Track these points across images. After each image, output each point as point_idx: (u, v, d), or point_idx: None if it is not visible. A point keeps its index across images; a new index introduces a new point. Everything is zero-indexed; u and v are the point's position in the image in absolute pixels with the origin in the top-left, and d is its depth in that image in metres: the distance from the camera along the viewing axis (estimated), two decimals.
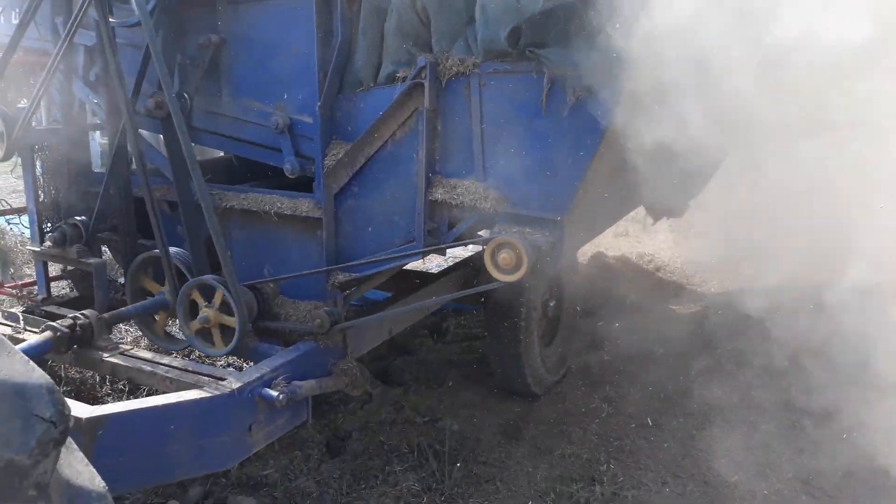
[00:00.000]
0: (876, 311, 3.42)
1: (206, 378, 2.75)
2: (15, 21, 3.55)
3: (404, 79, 2.79)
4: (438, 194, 2.80)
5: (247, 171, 3.70)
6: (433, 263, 5.93)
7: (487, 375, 4.41)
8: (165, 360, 2.95)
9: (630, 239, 6.72)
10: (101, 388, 4.05)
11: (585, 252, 6.00)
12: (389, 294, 4.11)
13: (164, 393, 2.76)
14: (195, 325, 3.06)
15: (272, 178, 3.57)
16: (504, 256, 2.62)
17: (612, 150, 2.67)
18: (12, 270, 6.09)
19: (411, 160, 2.86)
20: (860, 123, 3.07)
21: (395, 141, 2.88)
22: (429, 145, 2.78)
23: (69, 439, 1.55)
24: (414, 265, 4.50)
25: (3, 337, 1.52)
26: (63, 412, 1.45)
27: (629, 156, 2.90)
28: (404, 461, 3.60)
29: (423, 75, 2.71)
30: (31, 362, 1.50)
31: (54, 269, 3.84)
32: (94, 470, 1.63)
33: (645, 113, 2.54)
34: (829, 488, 3.35)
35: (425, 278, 4.27)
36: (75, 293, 3.85)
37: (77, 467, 1.59)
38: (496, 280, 2.74)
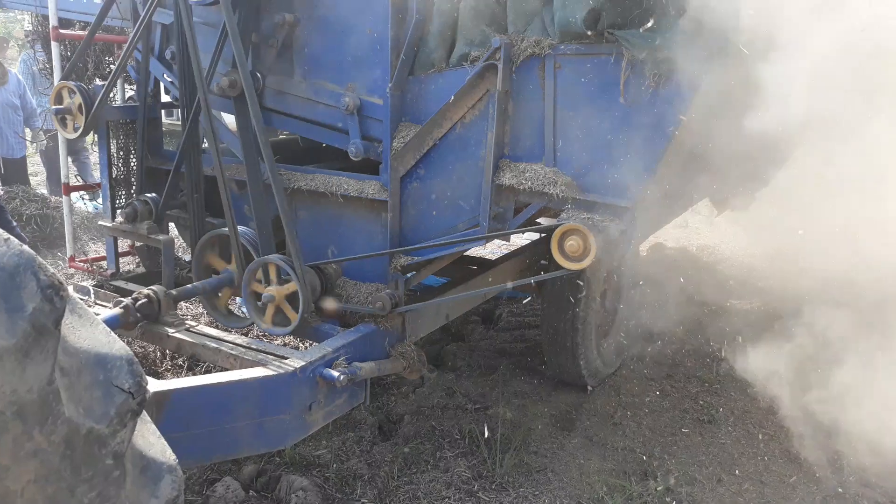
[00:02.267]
0: None
1: (270, 356, 2.79)
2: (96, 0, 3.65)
3: (477, 60, 2.76)
4: (506, 178, 2.77)
5: (311, 153, 3.71)
6: (487, 250, 5.90)
7: (540, 365, 4.38)
8: (229, 337, 3.00)
9: (690, 231, 6.59)
10: (162, 363, 4.14)
11: (645, 243, 5.89)
12: (446, 280, 4.11)
13: (227, 370, 2.81)
14: (260, 303, 3.11)
15: (334, 161, 3.58)
16: (571, 243, 2.58)
17: (689, 138, 2.60)
18: (78, 246, 6.27)
19: (480, 143, 2.83)
20: None
21: (465, 124, 2.85)
22: (499, 128, 2.74)
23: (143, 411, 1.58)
24: (473, 251, 4.48)
25: (87, 308, 1.55)
26: (141, 384, 1.47)
27: (704, 145, 2.83)
28: (455, 447, 3.60)
29: (496, 56, 2.67)
30: (113, 334, 1.52)
31: (122, 244, 3.93)
32: (166, 442, 1.66)
33: (726, 101, 2.47)
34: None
35: (483, 264, 4.26)
36: (142, 269, 3.93)
37: (150, 439, 1.62)
38: (560, 268, 2.70)
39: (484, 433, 3.60)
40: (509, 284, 3.25)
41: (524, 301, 5.27)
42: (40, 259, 1.25)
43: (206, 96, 3.01)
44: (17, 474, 1.22)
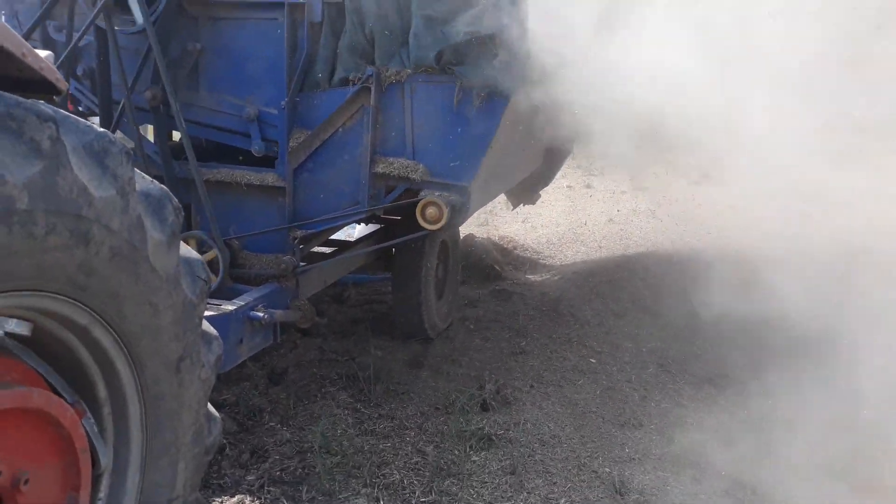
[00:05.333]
0: None
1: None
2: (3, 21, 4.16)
3: (353, 83, 3.83)
4: (379, 168, 3.86)
5: (211, 152, 4.50)
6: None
7: (389, 327, 5.45)
8: None
9: (490, 228, 8.06)
10: None
11: (461, 232, 7.22)
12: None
13: None
14: None
15: (228, 158, 4.41)
16: (430, 211, 3.73)
17: (502, 139, 3.87)
18: None
19: (357, 143, 3.89)
20: None
21: (345, 129, 3.90)
22: (373, 133, 3.83)
23: None
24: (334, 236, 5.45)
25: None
26: (209, 276, 2.36)
27: (508, 149, 4.12)
28: (335, 384, 4.56)
29: (370, 81, 3.76)
30: (192, 250, 2.37)
31: None
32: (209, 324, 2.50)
33: (525, 115, 3.77)
34: (649, 380, 4.76)
35: (343, 246, 5.27)
36: None
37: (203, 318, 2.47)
38: (411, 232, 3.85)
39: (356, 373, 4.61)
40: (374, 247, 4.33)
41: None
42: (170, 192, 2.13)
43: (132, 106, 3.76)
44: (165, 315, 2.08)
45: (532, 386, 4.66)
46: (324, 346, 5.10)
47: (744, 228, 5.85)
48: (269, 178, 3.99)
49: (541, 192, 6.95)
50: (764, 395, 4.44)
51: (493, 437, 3.92)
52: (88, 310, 1.87)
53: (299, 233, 4.02)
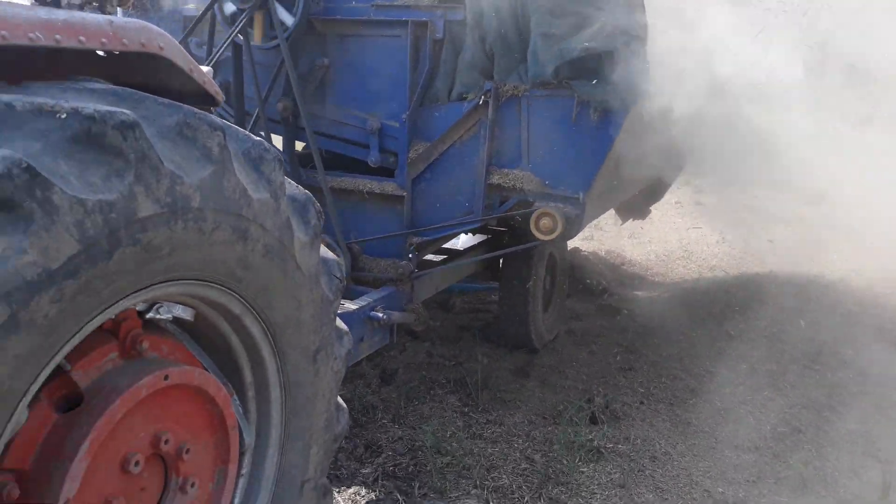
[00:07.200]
0: None
1: None
2: None
3: (471, 97, 3.96)
4: (494, 179, 3.97)
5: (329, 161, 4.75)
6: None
7: (495, 335, 5.53)
8: None
9: (597, 242, 8.02)
10: None
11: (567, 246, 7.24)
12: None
13: None
14: None
15: (343, 168, 4.64)
16: (544, 222, 3.79)
17: (618, 152, 3.89)
18: None
19: (474, 155, 4.02)
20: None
21: (463, 141, 4.04)
22: (489, 145, 3.94)
23: None
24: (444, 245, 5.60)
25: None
26: (343, 276, 2.53)
27: (622, 165, 4.13)
28: (444, 388, 4.69)
29: (488, 95, 3.88)
30: (329, 251, 2.55)
31: None
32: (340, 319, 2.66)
33: (641, 130, 3.78)
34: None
35: (451, 253, 5.42)
36: None
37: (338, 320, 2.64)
38: (535, 240, 3.92)
39: (465, 377, 4.73)
40: (486, 256, 4.44)
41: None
42: (313, 197, 2.31)
43: (265, 117, 4.05)
44: (306, 309, 2.25)
45: (642, 402, 4.62)
46: (432, 351, 5.25)
47: (862, 251, 5.60)
48: (388, 187, 4.18)
49: (651, 208, 6.86)
50: (886, 421, 4.24)
51: (603, 450, 3.92)
52: (242, 300, 2.06)
53: (416, 239, 4.18)
